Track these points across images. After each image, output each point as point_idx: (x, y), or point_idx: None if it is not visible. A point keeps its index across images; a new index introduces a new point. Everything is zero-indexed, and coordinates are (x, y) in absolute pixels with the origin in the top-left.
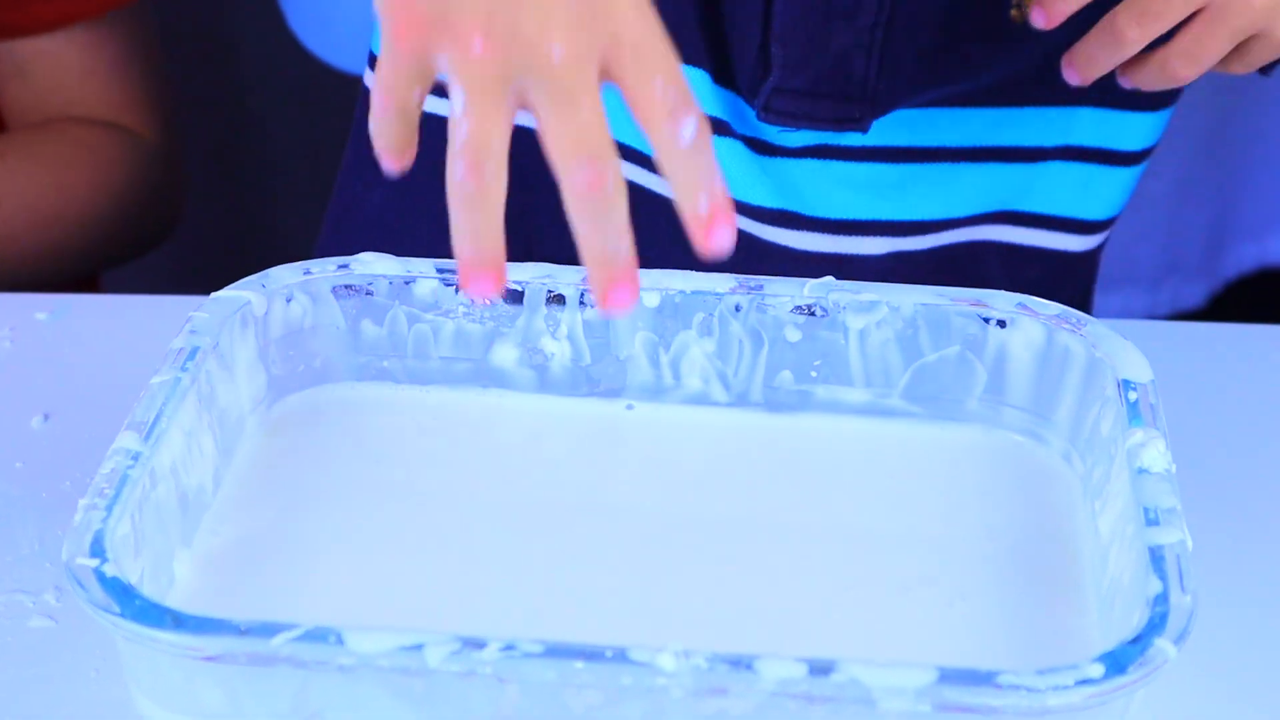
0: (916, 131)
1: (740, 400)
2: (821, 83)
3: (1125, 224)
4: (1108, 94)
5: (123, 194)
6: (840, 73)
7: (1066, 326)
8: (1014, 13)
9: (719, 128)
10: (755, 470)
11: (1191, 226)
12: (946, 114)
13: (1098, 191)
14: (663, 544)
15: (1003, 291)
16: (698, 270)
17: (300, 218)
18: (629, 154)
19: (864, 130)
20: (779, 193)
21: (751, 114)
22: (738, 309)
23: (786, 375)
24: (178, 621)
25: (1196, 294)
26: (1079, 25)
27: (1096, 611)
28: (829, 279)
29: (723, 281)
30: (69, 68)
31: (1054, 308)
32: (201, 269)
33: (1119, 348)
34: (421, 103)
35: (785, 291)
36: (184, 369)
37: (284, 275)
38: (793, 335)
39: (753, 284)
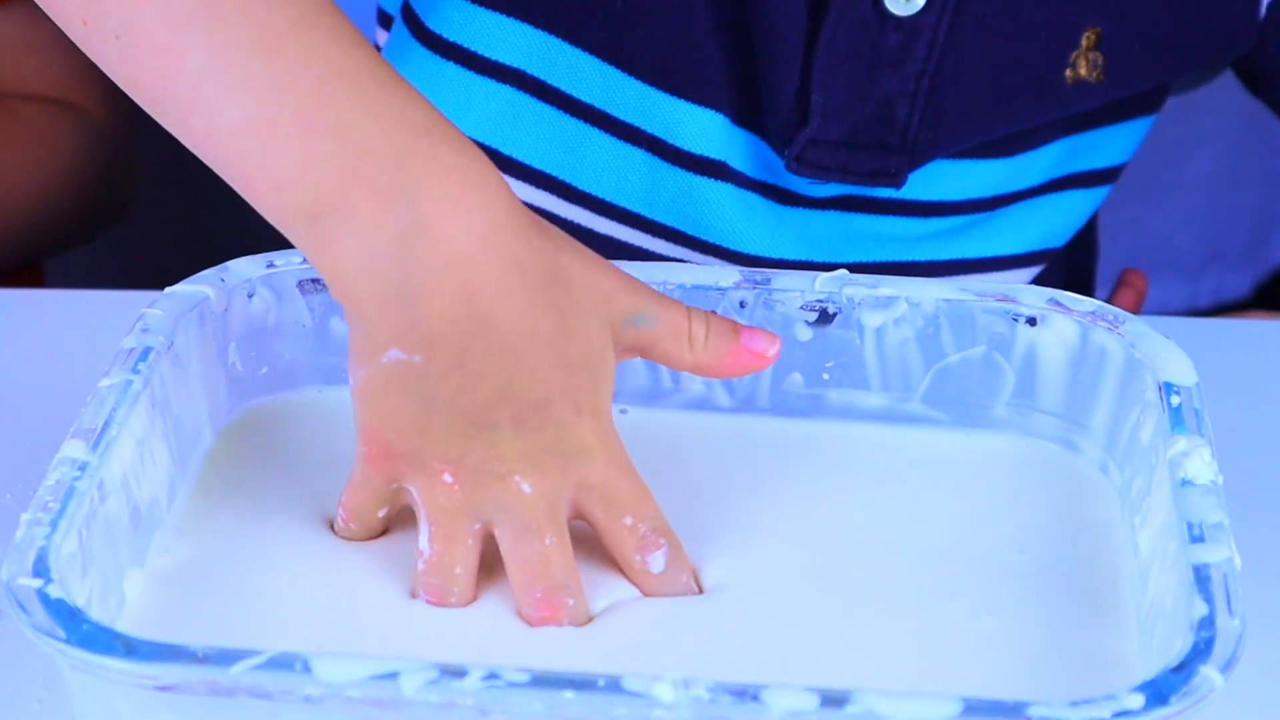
0: (946, 184)
1: (745, 405)
2: (860, 132)
3: (1164, 210)
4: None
5: (69, 174)
6: (881, 122)
7: (1102, 324)
8: (1069, 73)
9: (733, 176)
10: (762, 481)
11: (1235, 210)
12: (977, 165)
13: (1074, 217)
14: None
15: (1033, 286)
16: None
17: None
18: (604, 209)
19: (898, 186)
20: (799, 244)
21: (773, 159)
22: (743, 305)
23: (796, 378)
24: (129, 648)
25: (1241, 283)
26: (1131, 83)
27: (1135, 635)
28: (842, 271)
29: (727, 275)
30: (9, 43)
31: (1089, 303)
32: (154, 260)
33: (1160, 347)
34: (386, 520)
35: (795, 286)
36: (136, 371)
37: (245, 268)
38: (803, 334)
39: (759, 278)
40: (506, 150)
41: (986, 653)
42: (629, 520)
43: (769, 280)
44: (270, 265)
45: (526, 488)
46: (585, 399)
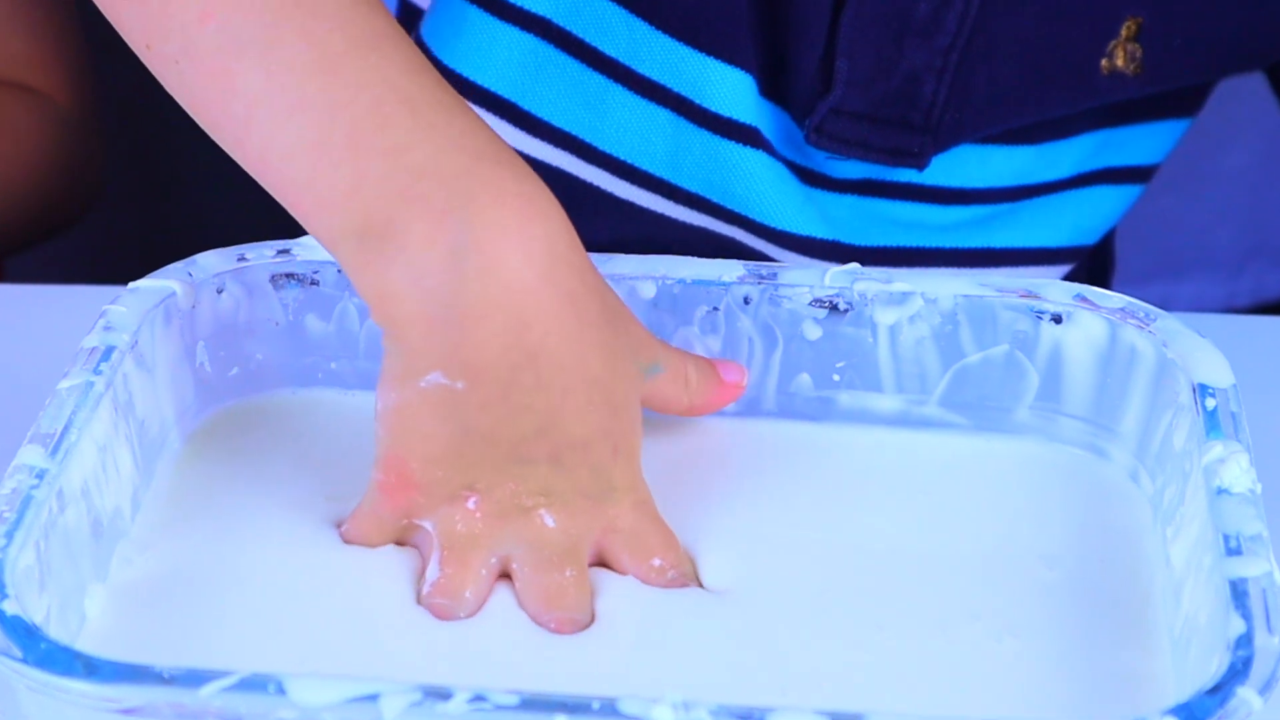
0: (969, 171)
1: (750, 408)
2: (884, 106)
3: (1200, 203)
4: (1132, 107)
5: (30, 165)
6: (905, 96)
7: (1133, 322)
8: (1104, 63)
9: (765, 144)
10: (767, 488)
11: (1275, 204)
12: (1002, 151)
13: (1105, 214)
14: None
15: (1058, 281)
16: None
17: (234, 195)
18: (626, 171)
19: (921, 167)
20: (824, 223)
21: (797, 134)
22: (747, 301)
23: (804, 379)
24: (90, 668)
25: None
26: (1168, 79)
27: (1168, 655)
28: (854, 265)
29: (730, 269)
30: None
31: (1118, 299)
32: (118, 254)
33: (1194, 346)
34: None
35: (803, 281)
36: (97, 372)
37: (215, 262)
38: (812, 332)
39: (765, 272)
40: (525, 105)
41: (1009, 671)
42: (657, 562)
43: (775, 275)
44: (241, 259)
45: (551, 521)
46: (623, 442)
